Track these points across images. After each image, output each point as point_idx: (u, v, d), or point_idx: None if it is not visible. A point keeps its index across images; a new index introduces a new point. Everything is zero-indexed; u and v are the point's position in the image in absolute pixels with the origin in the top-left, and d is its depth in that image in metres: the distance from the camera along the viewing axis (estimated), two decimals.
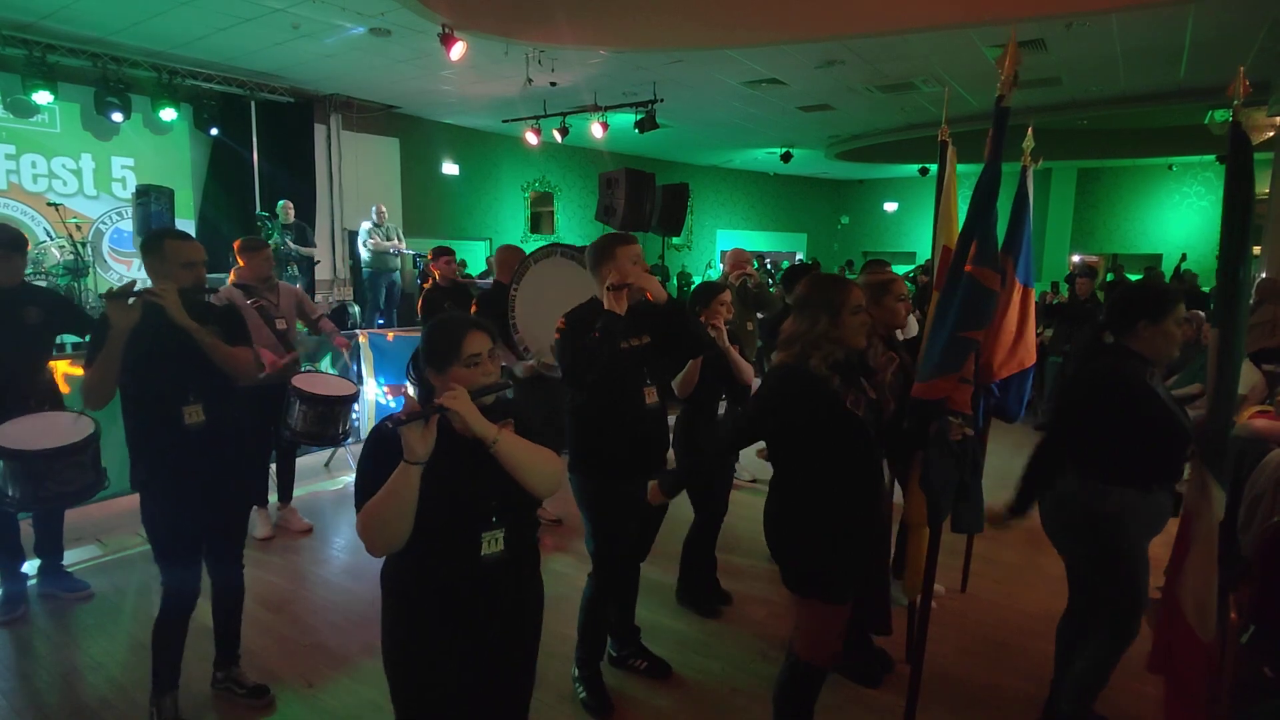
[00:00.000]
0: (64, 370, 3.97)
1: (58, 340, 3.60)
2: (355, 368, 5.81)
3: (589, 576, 2.67)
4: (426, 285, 5.30)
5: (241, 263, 4.04)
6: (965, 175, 3.65)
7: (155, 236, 2.55)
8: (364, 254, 9.01)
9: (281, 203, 8.16)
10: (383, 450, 1.59)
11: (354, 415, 4.08)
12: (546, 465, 1.68)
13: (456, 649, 1.68)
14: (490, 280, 5.45)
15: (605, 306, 2.38)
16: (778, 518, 2.12)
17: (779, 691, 2.20)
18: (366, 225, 8.96)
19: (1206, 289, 10.72)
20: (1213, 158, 12.60)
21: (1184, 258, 12.80)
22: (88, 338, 3.73)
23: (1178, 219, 14.45)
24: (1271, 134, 7.99)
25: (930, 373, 2.18)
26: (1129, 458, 2.20)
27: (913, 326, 3.50)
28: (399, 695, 1.71)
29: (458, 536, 1.64)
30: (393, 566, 1.71)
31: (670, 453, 2.97)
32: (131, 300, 2.34)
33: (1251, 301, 5.02)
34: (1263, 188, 7.86)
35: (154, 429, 2.45)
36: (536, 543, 1.83)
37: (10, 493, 2.81)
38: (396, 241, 8.96)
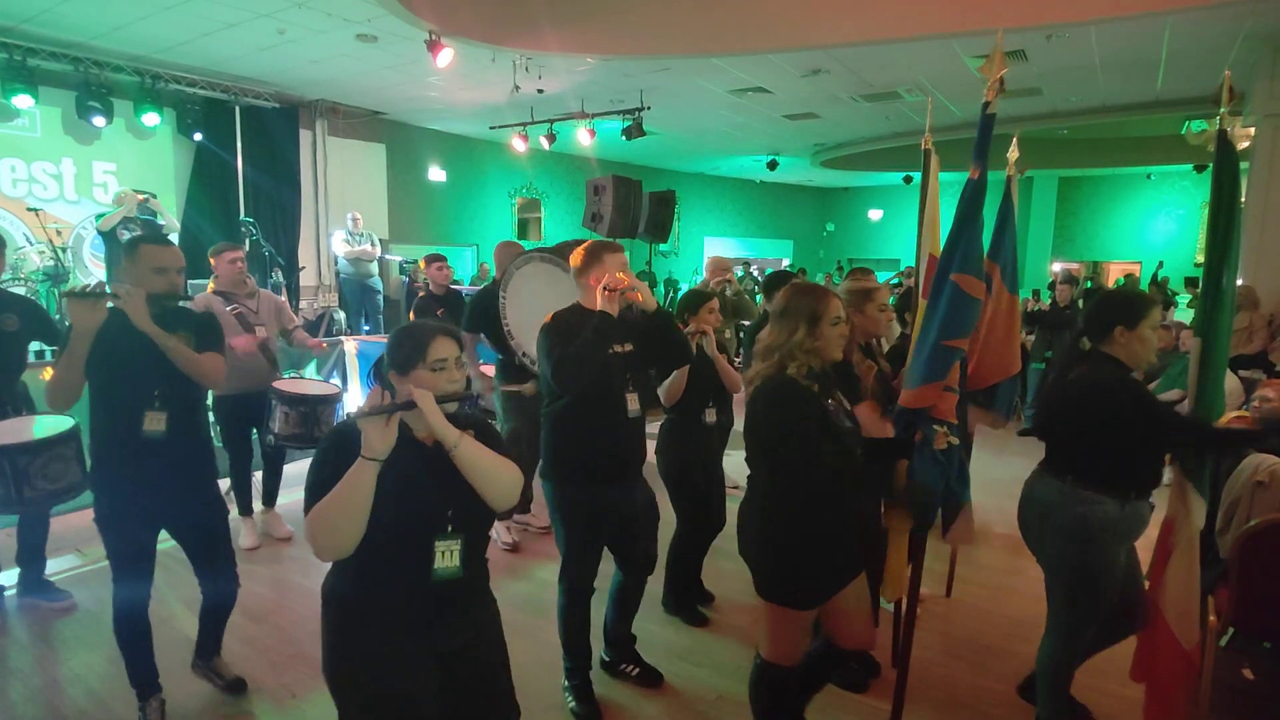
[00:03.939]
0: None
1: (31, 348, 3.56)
2: (340, 375, 5.78)
3: (559, 583, 2.65)
4: (420, 293, 5.27)
5: (213, 268, 4.03)
6: (950, 183, 3.70)
7: (133, 241, 2.57)
8: (341, 262, 8.99)
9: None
10: (340, 448, 1.55)
11: (339, 417, 4.05)
12: (506, 474, 1.66)
13: (415, 665, 1.62)
14: (483, 283, 5.41)
15: (598, 308, 2.37)
16: (753, 523, 2.13)
17: (750, 692, 2.23)
18: (341, 234, 8.93)
19: (1181, 298, 10.89)
20: (1190, 167, 12.82)
21: (1161, 265, 13.01)
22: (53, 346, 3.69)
23: (1156, 227, 14.69)
24: (1247, 144, 8.15)
25: (916, 381, 2.20)
26: (1109, 464, 2.23)
27: (894, 332, 3.53)
28: (352, 717, 1.64)
29: (411, 544, 1.60)
30: (338, 575, 1.65)
31: (652, 459, 2.97)
32: (98, 302, 2.33)
33: None
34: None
35: (113, 432, 2.43)
36: (486, 563, 1.78)
37: None
38: (369, 247, 8.93)
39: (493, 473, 1.63)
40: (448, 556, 1.61)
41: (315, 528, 1.52)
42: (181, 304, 2.58)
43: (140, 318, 2.34)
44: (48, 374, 3.52)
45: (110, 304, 2.35)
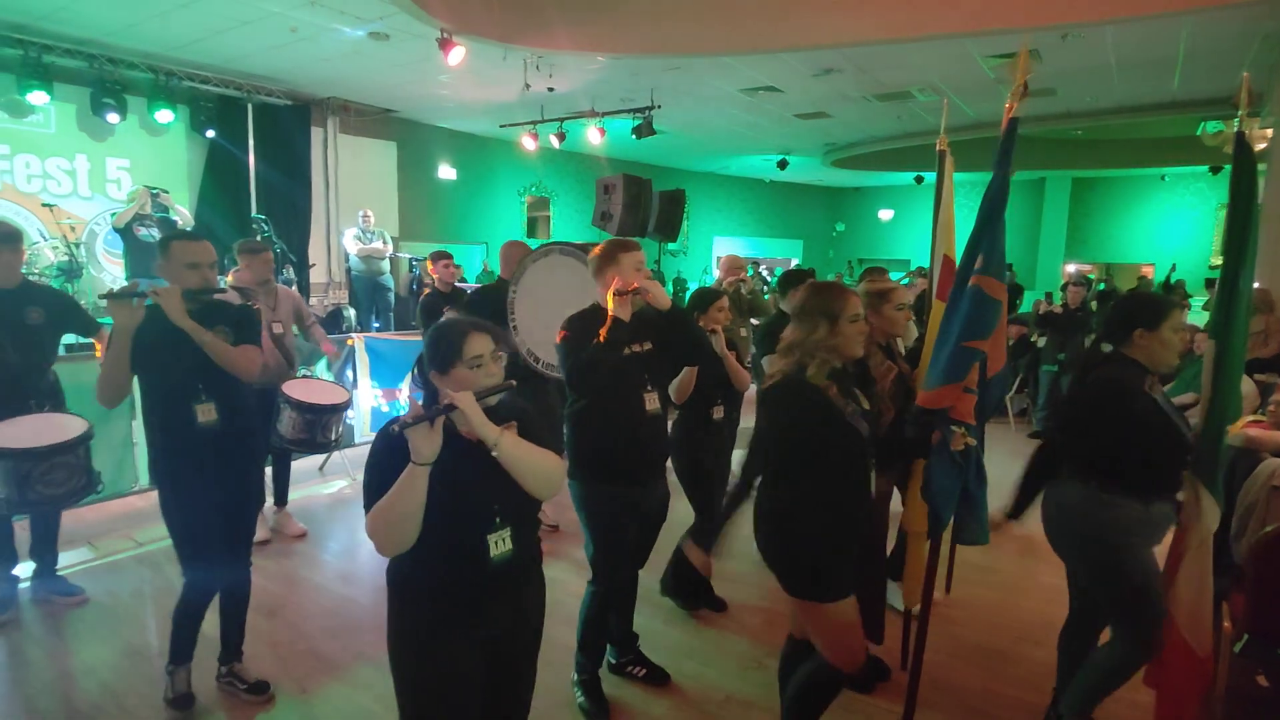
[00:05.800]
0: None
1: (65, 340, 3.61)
2: (350, 372, 5.79)
3: (589, 585, 2.66)
4: (425, 290, 5.29)
5: (241, 265, 4.04)
6: (963, 184, 3.68)
7: (166, 237, 2.64)
8: (352, 259, 9.03)
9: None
10: (389, 453, 1.61)
11: (348, 419, 4.06)
12: (548, 466, 1.69)
13: (465, 647, 1.69)
14: (491, 280, 5.41)
15: (611, 311, 2.37)
16: (769, 524, 2.12)
17: (799, 693, 2.18)
18: (352, 231, 8.98)
19: (1198, 300, 10.79)
20: (1205, 168, 12.70)
21: (1174, 268, 12.89)
22: (88, 338, 3.73)
23: (1170, 229, 14.55)
24: (1264, 145, 8.07)
25: (935, 381, 2.19)
26: (1130, 467, 2.20)
27: (912, 332, 3.51)
28: (407, 694, 1.72)
29: (463, 537, 1.66)
30: (399, 566, 1.71)
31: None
32: (135, 301, 2.40)
33: None
34: None
35: (169, 426, 2.52)
36: (538, 542, 1.84)
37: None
38: (381, 244, 8.96)
39: (535, 466, 1.66)
40: (500, 544, 1.69)
41: (375, 529, 1.60)
42: (216, 297, 2.65)
43: (176, 314, 2.40)
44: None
45: (148, 301, 2.42)
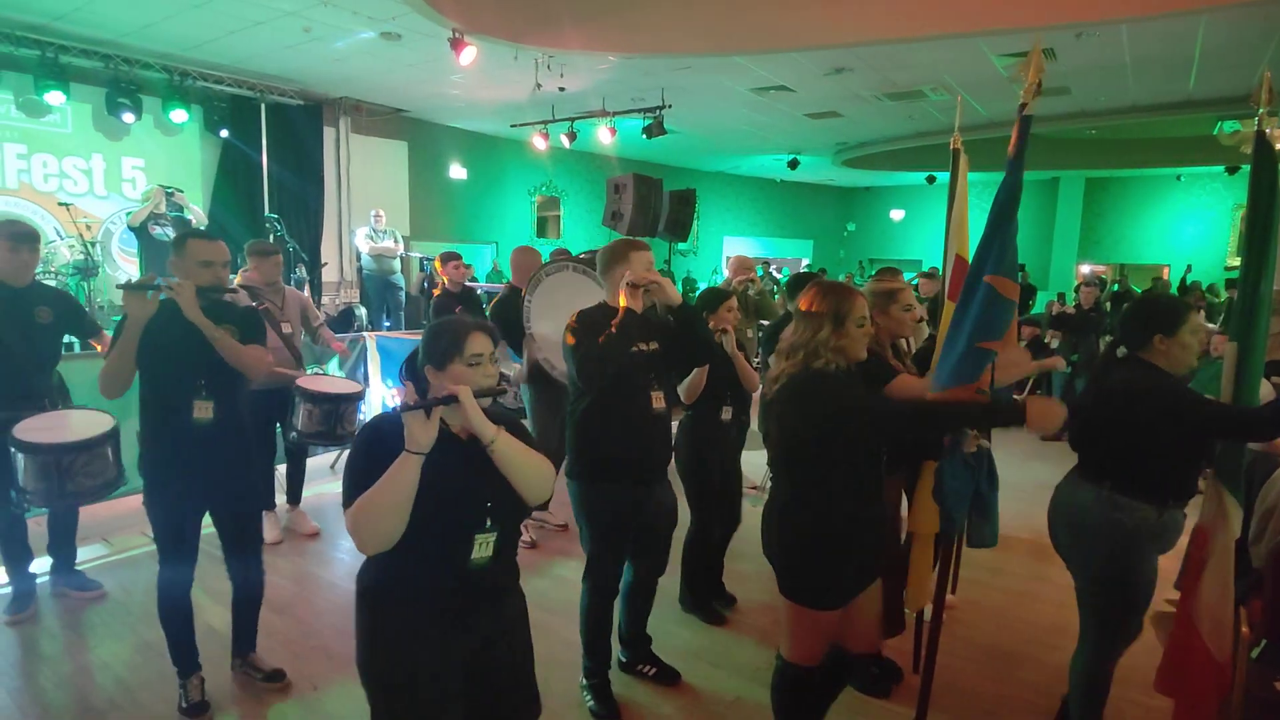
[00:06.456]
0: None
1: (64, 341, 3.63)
2: (362, 370, 5.82)
3: (583, 582, 2.66)
4: (436, 290, 5.30)
5: (251, 265, 4.06)
6: (974, 183, 3.65)
7: (181, 235, 2.67)
8: (363, 258, 9.09)
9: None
10: (377, 445, 1.56)
11: (360, 415, 4.08)
12: (541, 468, 1.67)
13: (443, 657, 1.64)
14: (503, 285, 5.42)
15: (623, 304, 2.39)
16: (776, 523, 2.12)
17: (772, 692, 2.23)
18: (364, 230, 9.03)
19: (1218, 300, 10.69)
20: (1221, 169, 12.56)
21: (1189, 269, 12.76)
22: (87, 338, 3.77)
23: (1185, 229, 14.41)
24: None
25: (946, 383, 2.17)
26: (1150, 472, 2.17)
27: (922, 333, 3.48)
28: (384, 709, 1.66)
29: (449, 537, 1.61)
30: (375, 567, 1.66)
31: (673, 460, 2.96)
32: (150, 294, 2.44)
33: None
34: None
35: (163, 420, 2.53)
36: (516, 555, 1.81)
37: (32, 489, 2.82)
38: (392, 244, 9.01)
39: (528, 467, 1.64)
40: (484, 547, 1.64)
41: (359, 522, 1.53)
42: (226, 297, 2.67)
43: (191, 309, 2.43)
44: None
45: (162, 296, 2.45)
